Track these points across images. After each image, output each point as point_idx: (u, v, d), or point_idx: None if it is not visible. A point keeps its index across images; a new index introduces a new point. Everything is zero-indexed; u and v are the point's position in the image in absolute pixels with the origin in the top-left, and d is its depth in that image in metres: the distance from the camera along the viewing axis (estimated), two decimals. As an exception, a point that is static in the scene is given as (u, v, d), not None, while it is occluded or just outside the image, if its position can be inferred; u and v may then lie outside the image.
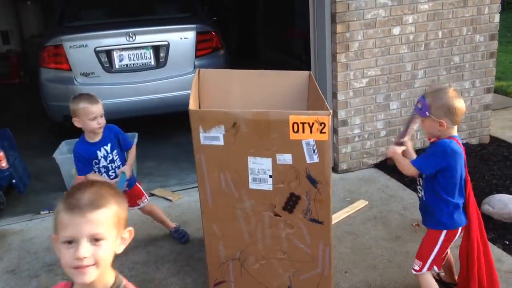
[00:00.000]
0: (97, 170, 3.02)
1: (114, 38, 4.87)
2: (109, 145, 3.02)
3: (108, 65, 4.87)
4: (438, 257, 2.40)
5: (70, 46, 4.80)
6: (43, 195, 4.24)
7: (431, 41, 4.19)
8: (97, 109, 2.86)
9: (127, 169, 3.08)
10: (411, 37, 4.12)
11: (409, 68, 4.21)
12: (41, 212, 3.88)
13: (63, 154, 4.27)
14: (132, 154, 3.17)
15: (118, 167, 3.08)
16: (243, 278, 2.51)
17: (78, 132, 4.85)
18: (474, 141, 4.66)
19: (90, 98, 2.89)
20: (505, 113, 5.60)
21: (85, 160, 2.95)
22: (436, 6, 4.10)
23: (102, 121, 2.91)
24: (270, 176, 2.27)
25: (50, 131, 5.56)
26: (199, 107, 2.89)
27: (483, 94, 4.53)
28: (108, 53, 4.86)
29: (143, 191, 3.29)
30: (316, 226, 2.32)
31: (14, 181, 3.98)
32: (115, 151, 3.06)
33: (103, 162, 3.01)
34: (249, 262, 2.48)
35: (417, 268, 2.43)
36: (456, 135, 2.31)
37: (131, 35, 4.85)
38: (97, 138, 2.97)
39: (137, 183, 3.26)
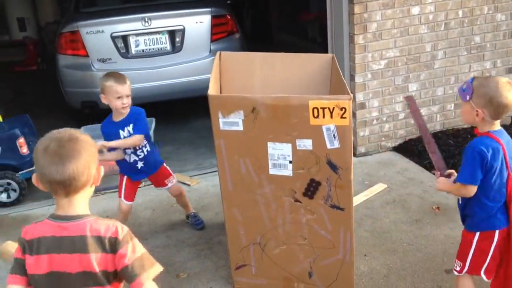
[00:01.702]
0: (123, 149, 3.05)
1: (130, 23, 4.86)
2: (131, 125, 3.02)
3: (124, 51, 4.88)
4: (478, 260, 2.17)
5: (87, 32, 4.81)
6: (64, 180, 4.28)
7: (451, 21, 4.10)
8: (123, 89, 2.90)
9: (108, 144, 2.91)
10: (430, 16, 4.03)
11: (428, 49, 4.13)
12: (62, 198, 3.92)
13: (82, 140, 4.30)
14: (131, 139, 2.98)
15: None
16: (264, 262, 2.53)
17: (97, 118, 4.88)
18: (495, 122, 4.58)
19: (118, 77, 2.94)
20: (527, 94, 5.48)
21: (108, 138, 2.98)
22: (457, -16, 4.01)
23: (128, 101, 2.94)
24: (290, 162, 2.26)
25: (69, 118, 5.60)
26: (220, 91, 2.88)
27: (505, 74, 4.42)
28: (124, 38, 4.85)
29: (170, 170, 3.29)
30: (337, 213, 2.31)
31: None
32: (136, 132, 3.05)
33: None
34: (270, 247, 2.49)
35: (458, 268, 2.24)
36: (498, 130, 2.06)
37: (146, 20, 4.84)
38: (122, 117, 3.00)
39: (164, 164, 3.27)
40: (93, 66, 4.87)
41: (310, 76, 2.88)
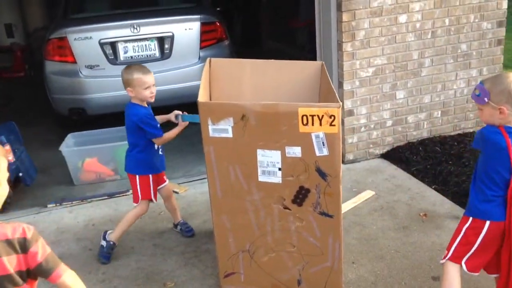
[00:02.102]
0: None
1: (119, 30, 4.85)
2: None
3: (112, 57, 4.86)
4: (462, 249, 2.18)
5: (75, 39, 4.78)
6: (50, 188, 4.25)
7: (438, 29, 4.15)
8: (150, 78, 2.95)
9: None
10: (417, 25, 4.08)
11: (415, 57, 4.17)
12: (48, 206, 3.89)
13: (69, 147, 4.28)
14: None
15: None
16: (252, 270, 2.52)
17: (84, 125, 4.84)
18: (481, 129, 4.63)
19: (143, 68, 2.98)
20: (513, 101, 5.55)
21: (152, 117, 3.01)
22: (443, -7, 4.06)
23: (155, 90, 3.00)
24: (279, 169, 2.26)
25: (56, 125, 5.56)
26: (210, 98, 2.87)
27: (491, 83, 4.48)
28: (113, 45, 4.84)
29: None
30: (326, 220, 2.32)
31: (20, 174, 3.99)
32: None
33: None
34: (259, 254, 2.48)
35: (443, 256, 2.27)
36: None
37: (135, 27, 4.83)
38: (146, 104, 3.05)
39: None
40: (80, 72, 4.84)
41: (300, 83, 2.89)
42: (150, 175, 3.09)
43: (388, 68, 4.11)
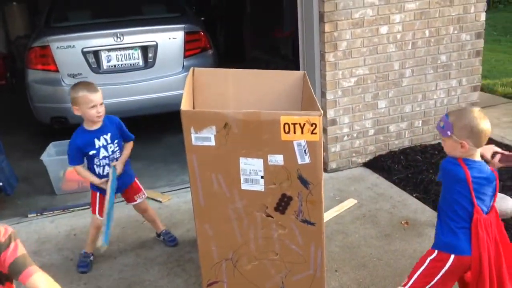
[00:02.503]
0: (98, 163, 2.98)
1: (102, 39, 4.84)
2: (109, 134, 2.98)
3: (95, 66, 4.84)
4: (422, 280, 2.17)
5: (57, 47, 4.75)
6: (31, 198, 4.19)
7: (418, 40, 4.23)
8: (96, 97, 2.85)
9: (119, 165, 3.00)
10: (398, 36, 4.15)
11: (396, 67, 4.24)
12: (29, 215, 3.84)
13: (51, 156, 4.23)
14: (128, 150, 3.11)
15: (117, 159, 3.03)
16: (236, 279, 2.51)
17: (66, 134, 4.79)
18: (461, 139, 4.70)
19: (89, 86, 2.89)
20: (492, 111, 5.66)
21: (79, 149, 2.91)
22: (423, 5, 4.14)
23: (102, 109, 2.90)
24: (262, 177, 2.27)
25: (37, 133, 5.50)
26: (193, 107, 2.88)
27: (470, 92, 4.58)
28: (96, 53, 4.82)
29: (140, 186, 3.26)
30: (308, 228, 2.33)
31: (1, 183, 3.93)
32: (116, 142, 3.02)
33: (103, 153, 2.97)
34: (242, 262, 2.48)
35: (403, 283, 2.26)
36: (477, 161, 2.11)
37: (118, 36, 4.82)
38: (96, 127, 2.95)
39: (135, 179, 3.24)
40: (63, 81, 4.80)
41: (282, 93, 2.92)
42: (97, 193, 3.05)
43: (370, 78, 4.18)
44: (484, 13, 4.38)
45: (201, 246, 2.48)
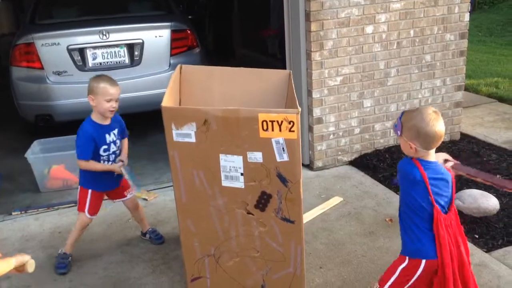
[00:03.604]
0: (106, 158, 2.98)
1: (87, 36, 4.80)
2: (116, 130, 3.02)
3: (81, 64, 4.81)
4: (395, 287, 2.16)
5: (42, 44, 4.72)
6: (15, 195, 4.16)
7: (403, 40, 4.27)
8: (115, 91, 2.88)
9: (125, 159, 3.07)
10: (383, 35, 4.18)
11: (382, 66, 4.27)
12: (13, 213, 3.80)
13: (35, 154, 4.20)
14: (126, 146, 3.15)
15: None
16: (218, 275, 2.52)
17: (51, 132, 4.76)
18: (445, 138, 4.75)
19: (111, 80, 2.91)
20: (475, 111, 5.73)
21: (93, 140, 2.89)
22: (408, 5, 4.17)
23: (116, 105, 2.91)
24: (242, 174, 2.28)
25: (22, 131, 5.45)
26: (180, 104, 2.88)
27: (454, 92, 4.63)
28: (81, 51, 4.79)
29: (129, 182, 3.24)
30: (288, 225, 2.33)
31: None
32: (119, 138, 3.07)
33: (113, 148, 3.00)
34: (224, 259, 2.49)
35: None
36: (432, 162, 2.07)
37: (104, 33, 4.80)
38: (106, 122, 2.96)
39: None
40: (48, 78, 4.77)
41: (268, 91, 2.92)
42: (90, 190, 3.03)
43: (355, 77, 4.20)
44: (468, 13, 4.43)
45: (184, 241, 2.49)
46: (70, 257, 3.11)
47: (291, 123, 2.11)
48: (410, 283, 2.14)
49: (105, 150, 2.97)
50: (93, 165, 2.94)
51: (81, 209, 3.06)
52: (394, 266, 2.20)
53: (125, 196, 3.20)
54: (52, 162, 4.17)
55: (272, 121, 2.11)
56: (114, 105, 2.89)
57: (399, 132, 2.07)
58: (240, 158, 2.23)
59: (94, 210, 3.06)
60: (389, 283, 2.17)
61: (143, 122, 5.56)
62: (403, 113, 2.10)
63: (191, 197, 2.37)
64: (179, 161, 2.30)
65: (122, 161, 3.04)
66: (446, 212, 2.10)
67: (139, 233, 3.42)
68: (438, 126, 2.00)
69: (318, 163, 4.32)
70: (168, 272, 3.00)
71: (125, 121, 3.18)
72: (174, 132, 2.24)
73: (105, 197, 3.21)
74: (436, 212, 2.05)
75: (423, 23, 4.28)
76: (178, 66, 2.94)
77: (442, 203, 2.08)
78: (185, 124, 2.22)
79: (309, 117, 4.24)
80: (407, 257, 2.14)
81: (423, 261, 2.09)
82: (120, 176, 3.10)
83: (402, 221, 2.17)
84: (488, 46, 9.81)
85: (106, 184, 3.06)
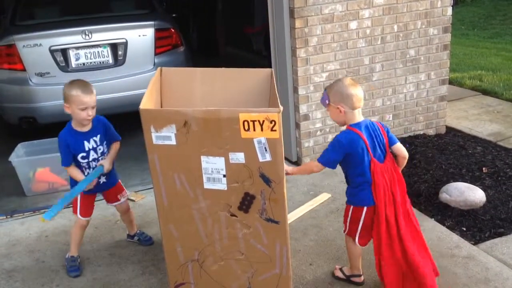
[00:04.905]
0: (86, 165, 2.92)
1: (70, 37, 4.75)
2: (98, 136, 2.93)
3: (64, 64, 4.75)
4: (352, 227, 2.60)
5: (24, 46, 4.65)
6: (0, 200, 4.10)
7: (387, 35, 4.28)
8: (89, 99, 2.76)
9: (107, 163, 2.94)
10: (368, 31, 4.19)
11: (367, 62, 4.28)
12: (-2, 218, 3.76)
13: (20, 157, 4.15)
14: (115, 149, 3.04)
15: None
16: (203, 280, 2.50)
17: (35, 134, 4.70)
18: (431, 131, 4.79)
19: (85, 87, 2.78)
20: (460, 104, 5.78)
21: (69, 149, 2.84)
22: (391, 0, 4.18)
23: (93, 113, 2.81)
24: (224, 176, 2.25)
25: (5, 134, 5.37)
26: (162, 106, 2.84)
27: (438, 86, 4.66)
28: (64, 52, 4.73)
29: (122, 186, 3.22)
30: (272, 226, 2.31)
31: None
32: (104, 143, 2.97)
33: (93, 155, 2.92)
34: (208, 263, 2.46)
35: (343, 228, 2.70)
36: (361, 121, 2.45)
37: (87, 33, 4.74)
38: (86, 128, 2.88)
39: (119, 179, 3.20)
40: (30, 80, 4.71)
41: (250, 91, 2.90)
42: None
43: (341, 73, 4.20)
44: (451, 7, 4.45)
45: (166, 247, 2.46)
46: (78, 259, 3.10)
47: (273, 122, 2.08)
48: (360, 225, 2.57)
49: (83, 158, 2.90)
50: (74, 174, 2.89)
51: (74, 211, 3.04)
52: (345, 213, 2.65)
53: (118, 200, 3.17)
54: (37, 165, 4.12)
55: (253, 121, 2.08)
56: (90, 113, 2.79)
57: (327, 101, 2.46)
58: (222, 159, 2.20)
59: (86, 212, 3.03)
60: (347, 223, 2.63)
61: (128, 123, 5.51)
62: (326, 88, 2.51)
63: (172, 201, 2.34)
64: (159, 164, 2.26)
65: (102, 165, 2.93)
66: (383, 161, 2.47)
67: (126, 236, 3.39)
68: (357, 90, 2.42)
69: (306, 160, 4.32)
70: (157, 273, 2.98)
71: (111, 122, 3.11)
72: (153, 135, 2.21)
73: (101, 197, 3.18)
74: (373, 163, 2.43)
75: (407, 18, 4.30)
76: (158, 69, 2.90)
77: (378, 153, 2.46)
78: (165, 126, 2.18)
79: (295, 114, 4.24)
80: (351, 206, 2.58)
81: (365, 208, 2.52)
82: (113, 177, 3.07)
83: (347, 176, 2.57)
84: (471, 40, 9.89)
85: (95, 186, 3.02)
